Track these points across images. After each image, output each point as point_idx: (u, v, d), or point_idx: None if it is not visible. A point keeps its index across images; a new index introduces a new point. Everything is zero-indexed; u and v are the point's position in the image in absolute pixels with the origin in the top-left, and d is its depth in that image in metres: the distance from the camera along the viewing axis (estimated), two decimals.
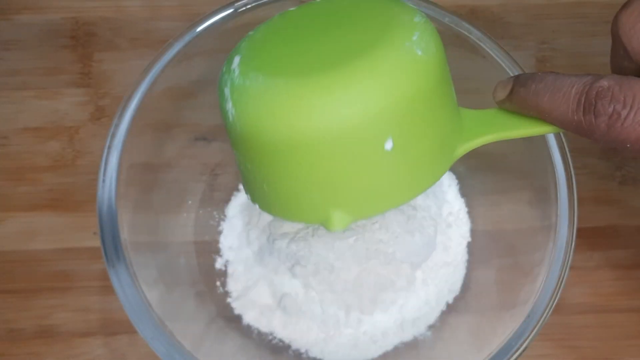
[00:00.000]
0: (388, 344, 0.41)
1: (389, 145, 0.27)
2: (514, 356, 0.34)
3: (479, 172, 0.43)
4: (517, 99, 0.28)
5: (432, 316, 0.41)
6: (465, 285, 0.42)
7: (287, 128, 0.26)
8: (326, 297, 0.40)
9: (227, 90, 0.28)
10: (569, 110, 0.26)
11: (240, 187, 0.44)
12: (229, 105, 0.28)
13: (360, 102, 0.26)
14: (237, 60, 0.28)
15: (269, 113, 0.27)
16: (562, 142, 0.37)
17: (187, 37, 0.38)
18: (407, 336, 0.41)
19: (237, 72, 0.28)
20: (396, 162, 0.28)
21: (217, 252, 0.43)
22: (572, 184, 0.36)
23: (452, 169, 0.44)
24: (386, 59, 0.26)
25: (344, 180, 0.28)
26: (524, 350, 0.34)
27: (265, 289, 0.41)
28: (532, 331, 0.34)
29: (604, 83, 0.26)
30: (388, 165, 0.28)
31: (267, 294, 0.41)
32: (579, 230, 0.35)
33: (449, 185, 0.44)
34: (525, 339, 0.34)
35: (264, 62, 0.28)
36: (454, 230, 0.42)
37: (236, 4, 0.38)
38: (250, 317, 0.41)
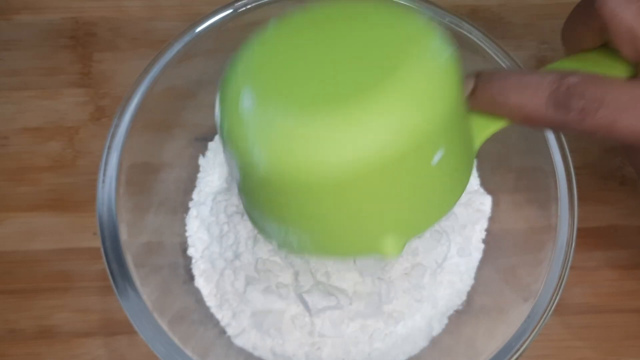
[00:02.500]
0: (388, 346, 0.41)
1: (436, 158, 0.26)
2: (515, 356, 0.34)
3: (479, 172, 0.43)
4: (483, 96, 0.28)
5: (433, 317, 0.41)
6: None
7: (333, 167, 0.24)
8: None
9: (248, 132, 0.25)
10: (541, 107, 0.27)
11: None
12: (255, 151, 0.24)
13: (407, 126, 0.24)
14: (246, 95, 0.25)
15: (311, 152, 0.24)
16: (562, 142, 0.37)
17: (187, 37, 0.38)
18: (408, 337, 0.41)
19: (252, 109, 0.25)
20: (442, 172, 0.27)
21: None
22: (572, 184, 0.36)
23: None
24: (419, 73, 0.25)
25: (395, 204, 0.27)
26: (524, 351, 0.34)
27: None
28: (533, 331, 0.34)
29: (574, 79, 0.26)
30: (435, 178, 0.27)
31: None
32: (579, 230, 0.35)
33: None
34: (526, 340, 0.34)
35: (281, 96, 0.25)
36: (457, 232, 0.42)
37: (236, 4, 0.38)
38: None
